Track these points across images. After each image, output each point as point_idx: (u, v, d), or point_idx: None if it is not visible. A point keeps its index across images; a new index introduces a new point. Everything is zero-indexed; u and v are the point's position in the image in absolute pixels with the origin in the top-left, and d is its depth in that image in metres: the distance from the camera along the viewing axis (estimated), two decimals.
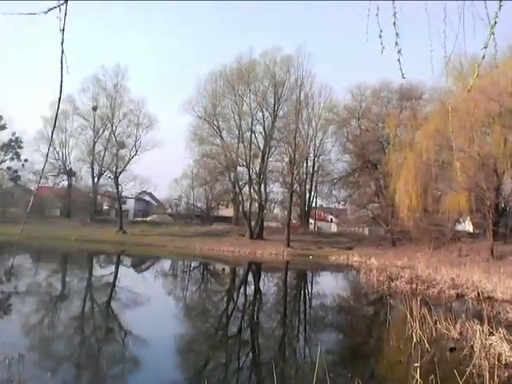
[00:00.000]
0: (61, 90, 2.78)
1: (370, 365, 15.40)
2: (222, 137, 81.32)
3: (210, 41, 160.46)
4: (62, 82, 2.66)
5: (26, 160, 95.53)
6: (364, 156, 75.18)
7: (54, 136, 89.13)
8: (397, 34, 4.69)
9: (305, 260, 61.00)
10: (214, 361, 15.40)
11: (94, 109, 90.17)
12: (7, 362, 11.02)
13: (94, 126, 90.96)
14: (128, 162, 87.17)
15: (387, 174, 61.54)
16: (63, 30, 2.76)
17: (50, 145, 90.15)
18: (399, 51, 4.73)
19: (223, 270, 52.04)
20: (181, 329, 20.26)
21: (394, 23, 4.68)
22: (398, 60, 4.78)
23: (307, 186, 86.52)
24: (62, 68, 2.66)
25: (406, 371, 12.25)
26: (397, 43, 4.73)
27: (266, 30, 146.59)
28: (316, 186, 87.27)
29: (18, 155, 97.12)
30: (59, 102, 2.84)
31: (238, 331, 20.43)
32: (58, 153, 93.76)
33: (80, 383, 12.32)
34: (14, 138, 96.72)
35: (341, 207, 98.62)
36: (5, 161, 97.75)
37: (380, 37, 4.76)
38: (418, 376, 10.18)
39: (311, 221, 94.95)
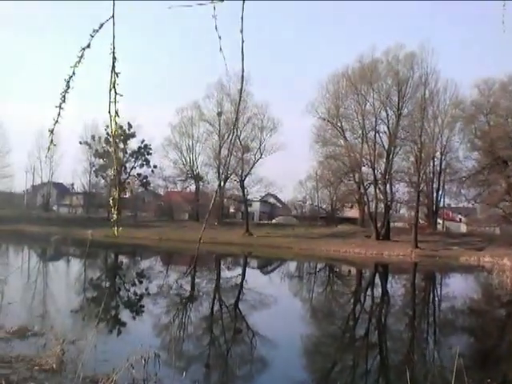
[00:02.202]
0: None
1: (505, 370, 14.80)
2: (345, 137, 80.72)
3: (329, 41, 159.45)
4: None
5: (155, 166, 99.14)
6: (493, 153, 72.19)
7: (181, 142, 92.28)
8: None
9: (433, 261, 59.40)
10: (342, 363, 15.34)
11: (219, 114, 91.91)
12: (143, 362, 11.44)
13: (219, 131, 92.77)
14: (253, 166, 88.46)
15: None
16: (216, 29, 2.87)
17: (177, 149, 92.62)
18: None
19: (349, 271, 51.70)
20: (307, 330, 20.32)
21: None
22: None
23: (434, 185, 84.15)
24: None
25: None
26: None
27: (386, 28, 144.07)
28: (443, 184, 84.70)
29: (147, 162, 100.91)
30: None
31: (365, 333, 20.25)
32: (185, 158, 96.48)
33: (210, 383, 12.62)
34: (142, 146, 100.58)
35: (470, 206, 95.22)
36: (135, 167, 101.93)
37: None
38: None
39: (439, 221, 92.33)
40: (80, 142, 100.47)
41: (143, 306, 24.15)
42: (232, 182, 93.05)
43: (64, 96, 2.93)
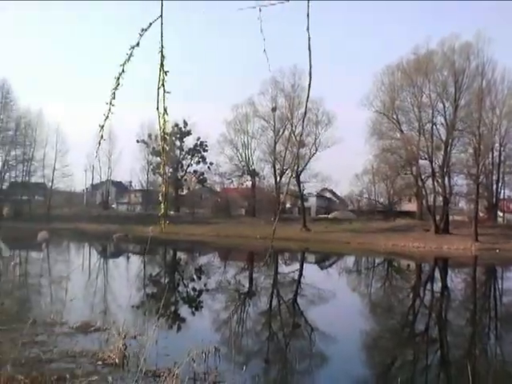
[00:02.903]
0: None
1: None
2: (401, 130, 79.67)
3: (383, 33, 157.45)
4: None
5: (211, 163, 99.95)
6: None
7: (236, 138, 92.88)
8: None
9: (493, 255, 58.17)
10: (401, 358, 15.22)
11: (274, 110, 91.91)
12: (204, 356, 11.60)
13: (274, 126, 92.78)
14: (308, 161, 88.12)
15: None
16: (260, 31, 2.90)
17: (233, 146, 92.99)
18: None
19: (408, 266, 51.11)
20: (366, 325, 20.21)
21: None
22: None
23: (494, 177, 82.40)
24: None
25: None
26: None
27: (442, 18, 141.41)
28: (503, 176, 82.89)
29: (203, 158, 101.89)
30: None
31: (425, 328, 20.03)
32: (241, 154, 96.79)
33: (270, 378, 12.70)
34: (198, 143, 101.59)
35: None
36: (191, 165, 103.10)
37: None
38: None
39: (499, 213, 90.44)
40: (137, 141, 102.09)
41: (202, 302, 24.43)
42: (288, 177, 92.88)
43: (114, 93, 3.01)
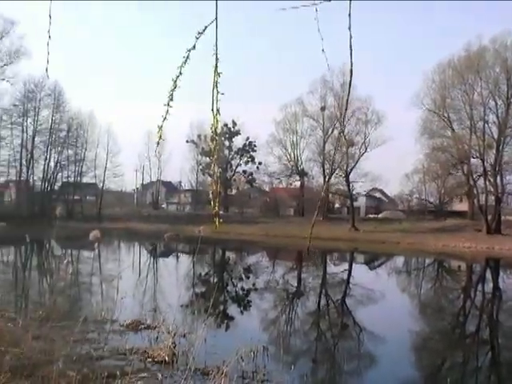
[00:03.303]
0: None
1: None
2: (453, 128, 78.56)
3: (434, 31, 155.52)
4: None
5: (260, 163, 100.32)
6: None
7: (285, 138, 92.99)
8: None
9: None
10: (451, 359, 15.04)
11: (323, 109, 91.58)
12: (252, 355, 11.68)
13: (323, 126, 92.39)
14: (358, 160, 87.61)
15: None
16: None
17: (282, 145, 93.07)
18: None
19: (459, 266, 50.39)
20: (416, 326, 20.02)
21: None
22: None
23: None
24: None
25: None
26: None
27: (496, 15, 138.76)
28: None
29: (252, 158, 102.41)
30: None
31: (475, 330, 19.75)
32: (289, 154, 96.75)
33: (318, 378, 12.70)
34: (247, 143, 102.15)
35: None
36: (240, 164, 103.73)
37: None
38: None
39: None
40: (187, 141, 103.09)
41: (250, 301, 24.54)
42: (337, 176, 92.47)
43: (172, 94, 3.09)
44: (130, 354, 11.71)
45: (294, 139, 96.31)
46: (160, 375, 10.36)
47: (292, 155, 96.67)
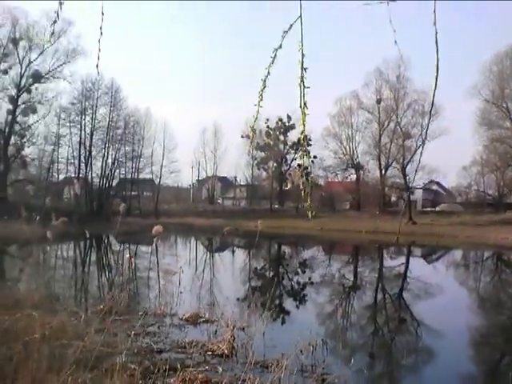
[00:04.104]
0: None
1: None
2: (511, 119, 77.04)
3: (493, 22, 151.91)
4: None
5: (315, 157, 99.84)
6: None
7: (340, 131, 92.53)
8: None
9: None
10: (511, 355, 14.81)
11: (378, 102, 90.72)
12: (311, 348, 11.76)
13: (378, 118, 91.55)
14: (415, 153, 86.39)
15: None
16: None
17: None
18: None
19: None
20: (474, 320, 19.74)
21: None
22: None
23: None
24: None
25: None
26: None
27: None
28: None
29: (307, 152, 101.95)
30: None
31: None
32: (345, 148, 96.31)
33: (376, 372, 12.70)
34: (302, 137, 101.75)
35: None
36: (295, 159, 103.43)
37: None
38: None
39: None
40: (242, 136, 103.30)
41: (307, 295, 24.58)
42: (393, 169, 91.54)
43: (261, 95, 3.19)
44: (189, 348, 11.91)
45: (350, 132, 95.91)
46: (220, 368, 10.53)
47: (347, 149, 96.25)
